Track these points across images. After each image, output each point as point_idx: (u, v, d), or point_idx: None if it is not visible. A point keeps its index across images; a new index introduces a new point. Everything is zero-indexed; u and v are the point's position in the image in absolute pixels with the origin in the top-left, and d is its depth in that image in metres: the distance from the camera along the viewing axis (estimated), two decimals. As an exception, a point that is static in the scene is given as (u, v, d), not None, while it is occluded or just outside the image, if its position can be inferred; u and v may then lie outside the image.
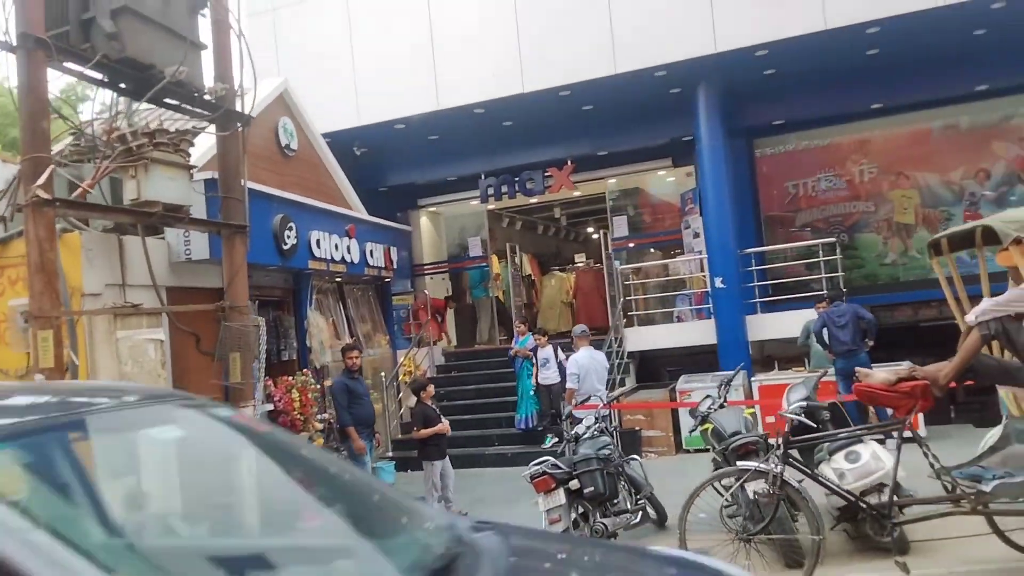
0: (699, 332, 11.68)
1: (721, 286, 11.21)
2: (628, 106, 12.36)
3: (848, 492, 4.91)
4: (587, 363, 8.43)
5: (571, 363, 8.31)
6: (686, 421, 10.71)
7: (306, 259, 9.76)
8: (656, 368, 12.69)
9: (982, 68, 11.50)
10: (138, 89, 6.63)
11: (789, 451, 4.91)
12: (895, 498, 4.84)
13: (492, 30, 11.45)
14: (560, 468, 6.18)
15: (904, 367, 4.89)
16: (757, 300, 11.81)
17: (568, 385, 8.17)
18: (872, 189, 13.58)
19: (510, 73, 11.35)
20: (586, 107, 12.35)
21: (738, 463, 5.21)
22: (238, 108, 7.47)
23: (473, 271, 15.62)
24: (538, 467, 6.19)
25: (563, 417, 7.69)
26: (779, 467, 4.83)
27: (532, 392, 11.05)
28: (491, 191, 13.69)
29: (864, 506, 4.86)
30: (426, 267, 15.15)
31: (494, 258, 15.86)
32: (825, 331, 9.84)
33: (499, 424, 11.75)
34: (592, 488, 6.14)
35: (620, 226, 14.18)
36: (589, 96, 11.81)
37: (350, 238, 10.89)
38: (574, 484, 6.16)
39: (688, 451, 10.53)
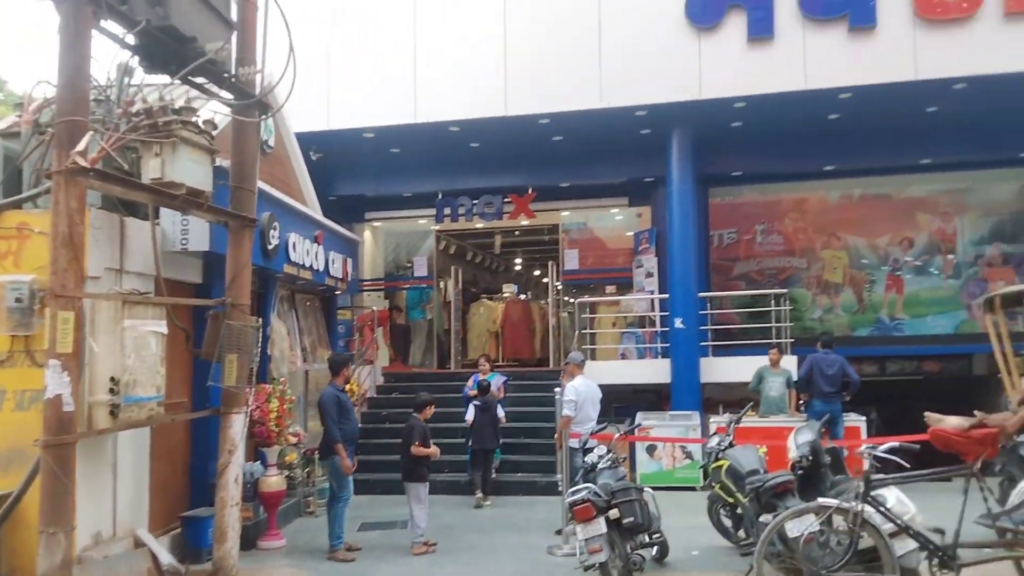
0: (653, 370, 11.85)
1: (681, 327, 11.44)
2: (597, 142, 12.54)
3: (919, 533, 5.04)
4: (584, 391, 8.35)
5: (568, 390, 8.20)
6: (642, 457, 10.84)
7: (283, 262, 9.23)
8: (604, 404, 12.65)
9: (927, 144, 12.41)
10: (169, 63, 6.10)
11: (869, 490, 5.00)
12: (959, 540, 5.02)
13: (480, 48, 11.33)
14: (601, 496, 6.05)
15: (976, 416, 5.10)
16: (709, 343, 12.10)
17: (564, 412, 8.04)
18: (806, 247, 14.33)
19: (494, 95, 11.25)
20: (556, 137, 12.43)
21: (820, 500, 5.23)
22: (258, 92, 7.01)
23: (411, 291, 15.26)
24: (579, 495, 6.03)
25: (581, 448, 7.54)
26: (860, 505, 4.92)
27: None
28: (448, 211, 13.47)
29: (932, 547, 5.00)
30: (364, 283, 14.67)
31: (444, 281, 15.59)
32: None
33: (449, 450, 11.41)
34: (632, 518, 6.04)
35: (571, 259, 14.27)
36: (565, 127, 11.89)
37: (318, 244, 10.40)
38: (613, 513, 6.03)
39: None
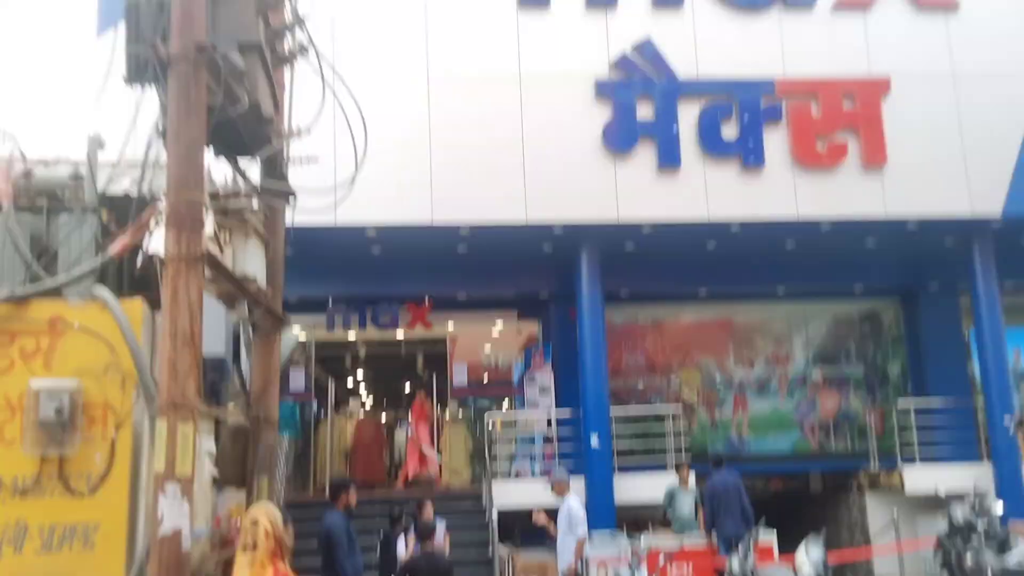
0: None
1: (596, 446, 11.62)
2: (499, 255, 12.73)
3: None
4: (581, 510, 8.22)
5: (578, 509, 7.99)
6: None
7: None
8: (508, 527, 12.21)
9: (779, 274, 14.03)
10: (239, 145, 5.51)
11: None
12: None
13: (406, 157, 11.20)
14: None
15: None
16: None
17: (580, 533, 7.80)
18: (664, 366, 15.27)
19: (419, 202, 11.12)
20: (461, 249, 12.45)
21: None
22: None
23: (283, 406, 14.02)
24: None
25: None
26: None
27: None
28: (339, 318, 12.80)
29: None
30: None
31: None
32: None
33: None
34: None
35: (460, 373, 14.07)
36: (475, 238, 11.95)
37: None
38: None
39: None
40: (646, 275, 13.75)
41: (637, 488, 11.89)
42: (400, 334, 14.29)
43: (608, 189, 11.50)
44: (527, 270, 13.24)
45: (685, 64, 11.87)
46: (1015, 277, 13.59)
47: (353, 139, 5.99)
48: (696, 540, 10.47)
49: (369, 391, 20.86)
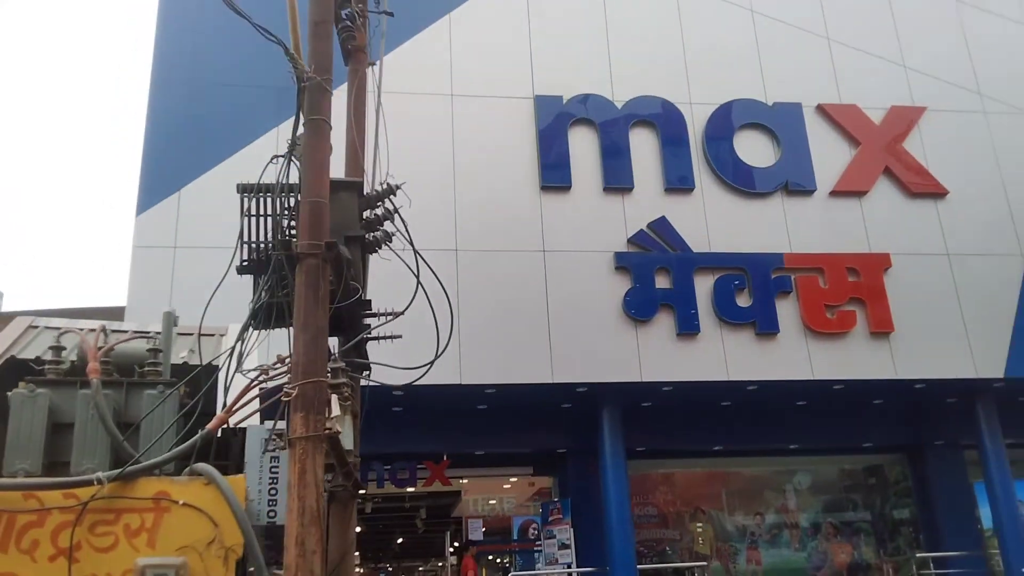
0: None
1: (626, 604, 11.58)
2: (517, 412, 13.01)
3: None
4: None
5: None
6: None
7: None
8: None
9: (790, 431, 14.44)
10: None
11: None
12: None
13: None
14: None
15: None
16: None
17: None
18: (676, 520, 15.41)
19: (449, 364, 11.45)
20: (481, 406, 12.73)
21: None
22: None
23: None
24: None
25: None
26: None
27: None
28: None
29: None
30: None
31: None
32: None
33: None
34: None
35: (476, 529, 13.98)
36: (499, 396, 12.25)
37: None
38: None
39: None
40: (663, 431, 14.01)
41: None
42: (409, 488, 14.24)
43: (631, 353, 11.96)
44: (545, 426, 13.47)
45: (698, 240, 12.68)
46: (1015, 435, 14.05)
47: (436, 321, 6.38)
48: None
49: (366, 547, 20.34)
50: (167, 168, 12.04)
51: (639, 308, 12.18)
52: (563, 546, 13.21)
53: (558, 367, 11.76)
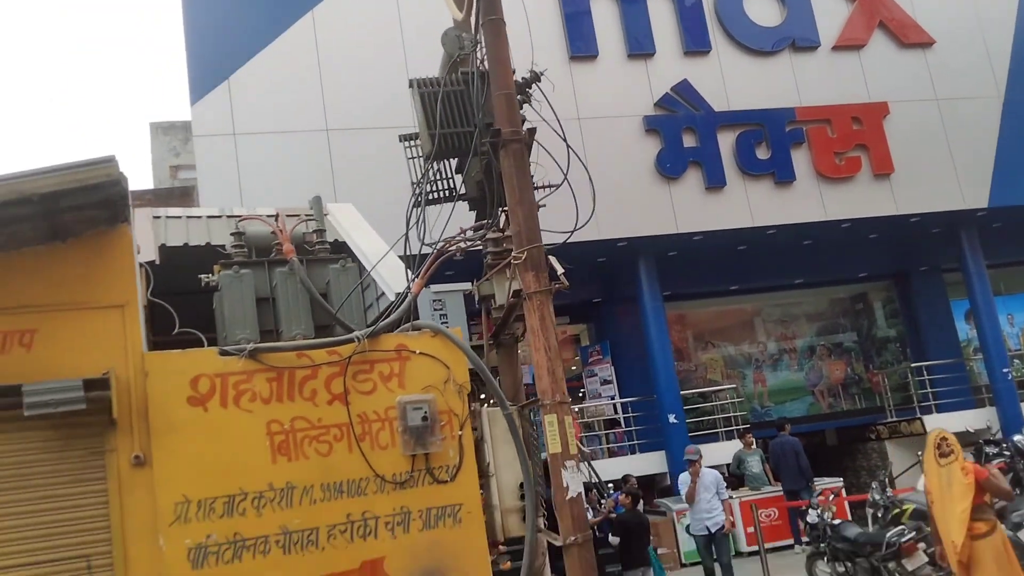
0: (648, 463, 13.53)
1: (674, 422, 13.36)
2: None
3: None
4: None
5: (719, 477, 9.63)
6: (684, 537, 12.31)
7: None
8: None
9: (793, 268, 16.11)
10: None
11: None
12: None
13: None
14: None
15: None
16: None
17: (725, 495, 9.43)
18: (690, 353, 17.25)
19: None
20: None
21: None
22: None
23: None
24: (901, 536, 7.45)
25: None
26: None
27: None
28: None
29: None
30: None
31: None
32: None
33: None
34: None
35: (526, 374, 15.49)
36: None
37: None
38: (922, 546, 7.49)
39: (686, 564, 12.06)
40: (686, 277, 15.51)
41: (707, 455, 13.59)
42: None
43: (666, 207, 13.21)
44: (580, 279, 14.79)
45: (718, 99, 13.76)
46: (992, 258, 15.98)
47: (592, 184, 7.41)
48: (771, 491, 12.41)
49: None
50: (213, 57, 12.40)
51: (670, 166, 13.34)
52: (605, 382, 14.89)
53: (603, 225, 12.95)
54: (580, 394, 15.63)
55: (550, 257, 6.33)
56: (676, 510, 12.23)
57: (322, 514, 5.67)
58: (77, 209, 4.73)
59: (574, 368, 16.29)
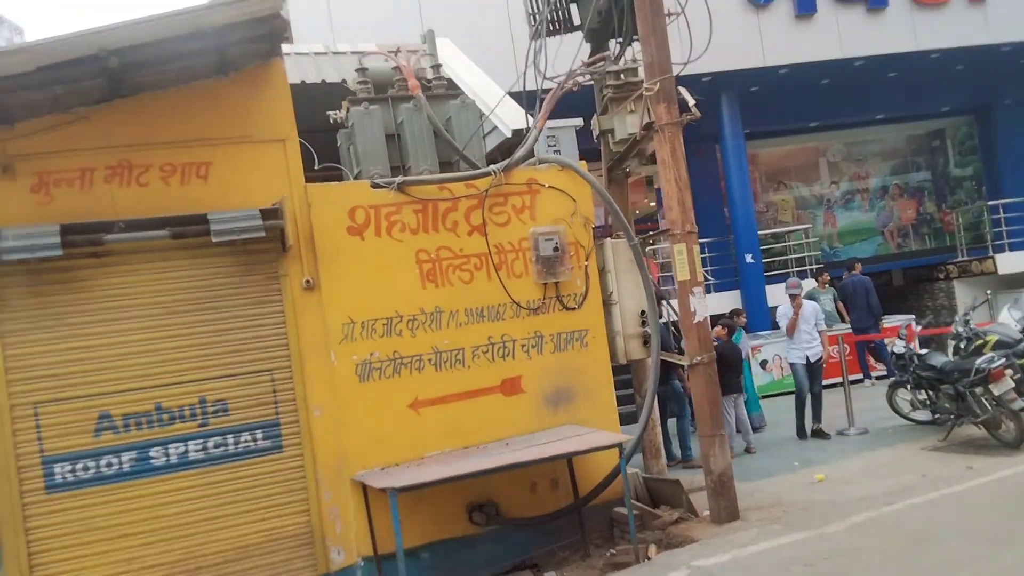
0: (723, 302, 13.86)
1: (751, 261, 13.60)
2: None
3: None
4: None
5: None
6: (756, 370, 12.73)
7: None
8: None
9: (874, 103, 15.68)
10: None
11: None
12: None
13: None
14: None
15: None
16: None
17: (823, 327, 9.80)
18: (760, 193, 17.17)
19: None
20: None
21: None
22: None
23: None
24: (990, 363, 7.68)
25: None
26: None
27: None
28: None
29: None
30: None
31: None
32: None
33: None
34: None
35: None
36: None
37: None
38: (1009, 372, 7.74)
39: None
40: (766, 113, 15.17)
41: (780, 294, 13.93)
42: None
43: (754, 38, 12.82)
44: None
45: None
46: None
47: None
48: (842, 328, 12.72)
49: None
50: None
51: (759, -7, 12.83)
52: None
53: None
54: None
55: (681, 88, 6.38)
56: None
57: (467, 336, 6.13)
58: (246, 42, 4.87)
59: (647, 207, 16.33)
